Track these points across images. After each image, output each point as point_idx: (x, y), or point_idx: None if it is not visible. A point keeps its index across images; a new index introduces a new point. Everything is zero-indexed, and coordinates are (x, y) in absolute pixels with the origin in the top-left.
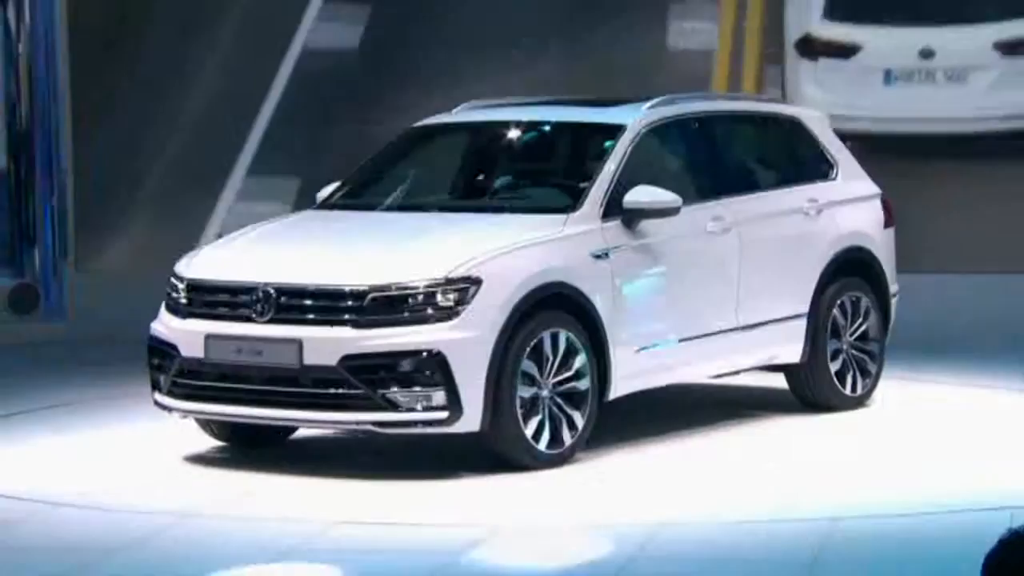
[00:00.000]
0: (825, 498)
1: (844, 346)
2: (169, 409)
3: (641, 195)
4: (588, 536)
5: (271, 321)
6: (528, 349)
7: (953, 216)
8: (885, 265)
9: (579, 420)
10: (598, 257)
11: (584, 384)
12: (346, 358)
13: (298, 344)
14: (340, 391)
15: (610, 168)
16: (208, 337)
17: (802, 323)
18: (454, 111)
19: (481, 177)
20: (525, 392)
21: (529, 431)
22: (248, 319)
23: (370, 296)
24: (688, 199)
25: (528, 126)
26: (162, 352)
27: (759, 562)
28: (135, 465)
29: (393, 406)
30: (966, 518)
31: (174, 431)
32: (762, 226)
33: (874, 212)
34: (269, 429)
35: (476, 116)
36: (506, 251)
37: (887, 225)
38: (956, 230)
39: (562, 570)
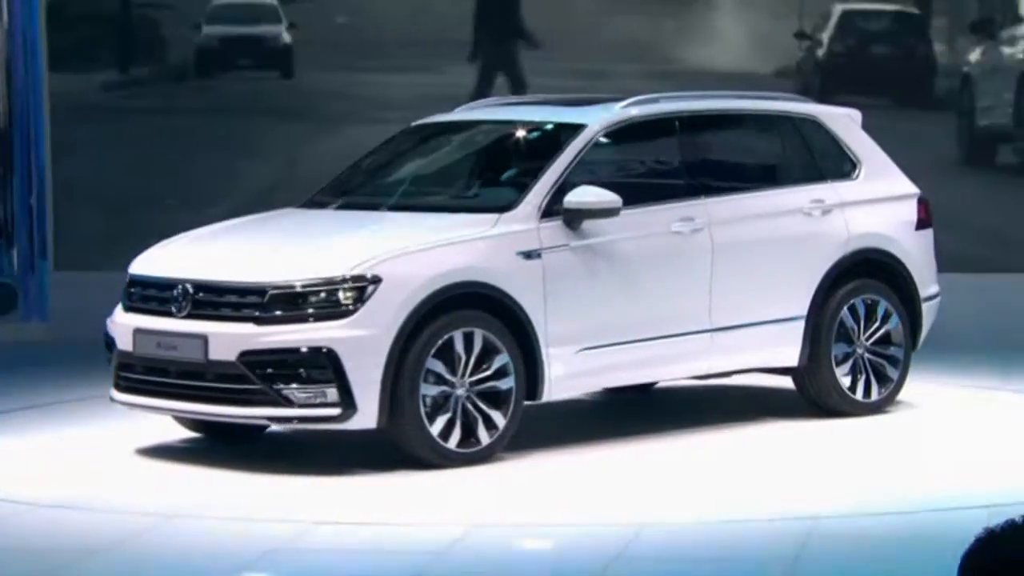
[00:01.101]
0: (807, 498)
1: (858, 350)
2: (112, 400)
3: (582, 195)
4: (571, 536)
5: (187, 317)
6: (435, 348)
7: None
8: (914, 268)
9: (499, 420)
10: (528, 256)
11: (506, 384)
12: (245, 354)
13: (204, 340)
14: (241, 387)
15: (556, 168)
16: (135, 331)
17: (799, 326)
18: (455, 110)
19: (437, 176)
20: (432, 390)
21: (435, 429)
22: (169, 314)
23: (270, 293)
24: (651, 199)
25: (498, 126)
26: (108, 346)
27: (741, 561)
28: (113, 466)
29: (288, 402)
30: (944, 517)
31: (152, 432)
32: (745, 227)
33: (903, 213)
34: (241, 424)
35: (461, 115)
36: (411, 251)
37: (921, 226)
38: None
39: (545, 570)
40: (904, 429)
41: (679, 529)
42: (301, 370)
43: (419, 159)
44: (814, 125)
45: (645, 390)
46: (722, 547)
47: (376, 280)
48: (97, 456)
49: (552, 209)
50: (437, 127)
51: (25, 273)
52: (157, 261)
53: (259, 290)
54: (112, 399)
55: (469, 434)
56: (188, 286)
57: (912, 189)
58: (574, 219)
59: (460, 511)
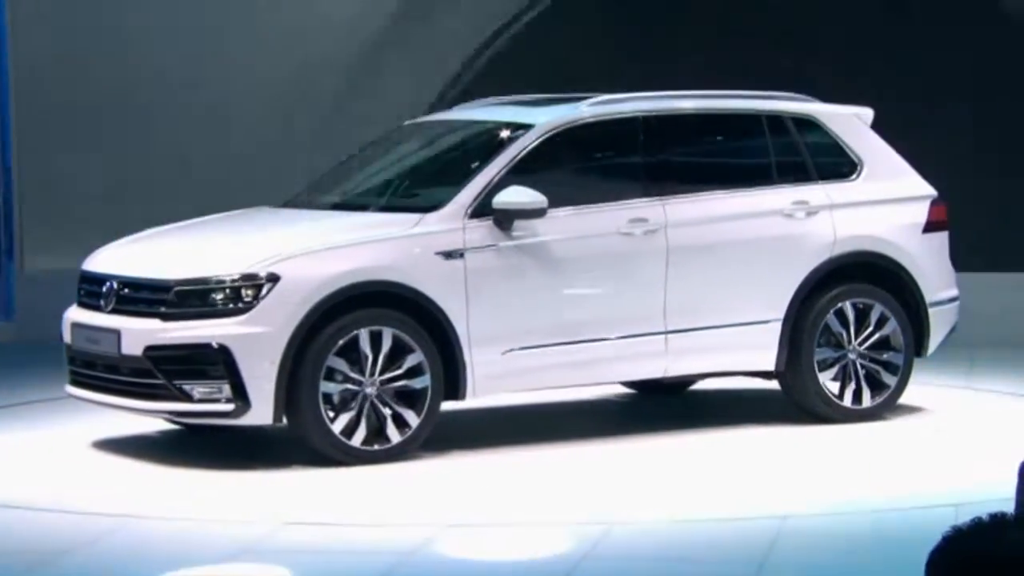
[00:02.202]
0: (778, 498)
1: (850, 355)
2: (69, 393)
3: (509, 195)
4: (541, 534)
5: (111, 312)
6: (337, 346)
7: None
8: (918, 272)
9: (412, 419)
10: (449, 256)
11: (420, 383)
12: (149, 349)
13: (117, 334)
14: (148, 381)
15: (491, 169)
16: (72, 325)
17: (773, 329)
18: (452, 108)
19: (390, 176)
20: (332, 388)
21: (338, 427)
22: (99, 309)
23: (174, 290)
24: (601, 199)
25: (462, 126)
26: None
27: (711, 560)
28: (82, 467)
29: (188, 397)
30: (913, 515)
31: (121, 432)
32: (708, 228)
33: (909, 215)
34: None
35: (440, 116)
36: (314, 250)
37: (930, 229)
38: None
39: (515, 568)
40: (878, 430)
41: (649, 528)
42: (200, 366)
43: (384, 159)
44: (810, 125)
45: (676, 391)
46: (692, 546)
47: (273, 278)
48: (65, 456)
49: (484, 209)
50: (415, 127)
51: None
52: (97, 258)
53: (165, 287)
54: (67, 391)
55: (378, 433)
56: (114, 283)
57: (925, 191)
58: (504, 219)
59: (430, 511)
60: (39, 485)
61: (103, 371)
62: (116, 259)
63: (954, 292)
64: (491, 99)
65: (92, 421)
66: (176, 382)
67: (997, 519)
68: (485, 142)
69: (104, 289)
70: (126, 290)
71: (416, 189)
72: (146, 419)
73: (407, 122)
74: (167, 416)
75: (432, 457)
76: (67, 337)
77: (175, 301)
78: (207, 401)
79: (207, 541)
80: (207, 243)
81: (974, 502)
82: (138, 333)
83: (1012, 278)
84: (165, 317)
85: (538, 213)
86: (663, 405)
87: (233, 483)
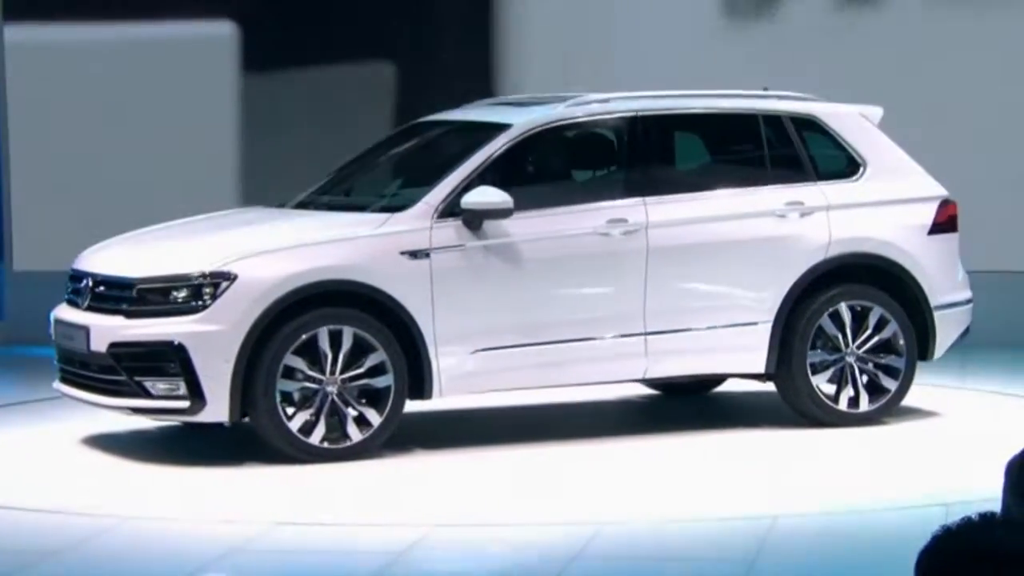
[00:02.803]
0: (767, 499)
1: (848, 358)
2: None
3: (477, 196)
4: (531, 534)
5: (86, 309)
6: (296, 345)
7: None
8: (922, 274)
9: (374, 417)
10: (414, 256)
11: (383, 382)
12: (112, 345)
13: (86, 331)
14: (112, 377)
15: (463, 169)
16: (56, 322)
17: (762, 331)
18: (457, 109)
19: (374, 176)
20: (291, 386)
21: (295, 424)
22: (77, 306)
23: (137, 288)
24: (579, 200)
25: (450, 127)
26: None
27: (701, 560)
28: (71, 467)
29: (148, 394)
30: (904, 515)
31: (110, 432)
32: (693, 229)
33: (914, 216)
34: None
35: (440, 116)
36: (272, 249)
37: (938, 231)
38: None
39: (505, 568)
40: (869, 431)
41: (639, 528)
42: (158, 363)
43: (377, 160)
44: (810, 124)
45: (701, 391)
46: (681, 546)
47: (230, 277)
48: (53, 457)
49: (455, 210)
50: (412, 129)
51: None
52: (83, 256)
53: (130, 285)
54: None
55: (337, 431)
56: (89, 280)
57: (935, 191)
58: (472, 220)
59: (420, 511)
60: (28, 486)
61: (79, 367)
62: (96, 257)
63: (964, 295)
64: (492, 99)
65: (80, 421)
66: (137, 378)
67: (986, 518)
68: (466, 143)
69: (81, 286)
70: (101, 288)
71: (394, 189)
72: (141, 420)
73: (409, 124)
74: (130, 411)
75: (422, 457)
76: (52, 334)
77: (137, 299)
78: (165, 398)
79: (198, 541)
80: (178, 242)
81: (965, 501)
82: (104, 330)
83: (1002, 277)
84: (128, 314)
85: (504, 213)
86: (655, 407)
87: (224, 483)
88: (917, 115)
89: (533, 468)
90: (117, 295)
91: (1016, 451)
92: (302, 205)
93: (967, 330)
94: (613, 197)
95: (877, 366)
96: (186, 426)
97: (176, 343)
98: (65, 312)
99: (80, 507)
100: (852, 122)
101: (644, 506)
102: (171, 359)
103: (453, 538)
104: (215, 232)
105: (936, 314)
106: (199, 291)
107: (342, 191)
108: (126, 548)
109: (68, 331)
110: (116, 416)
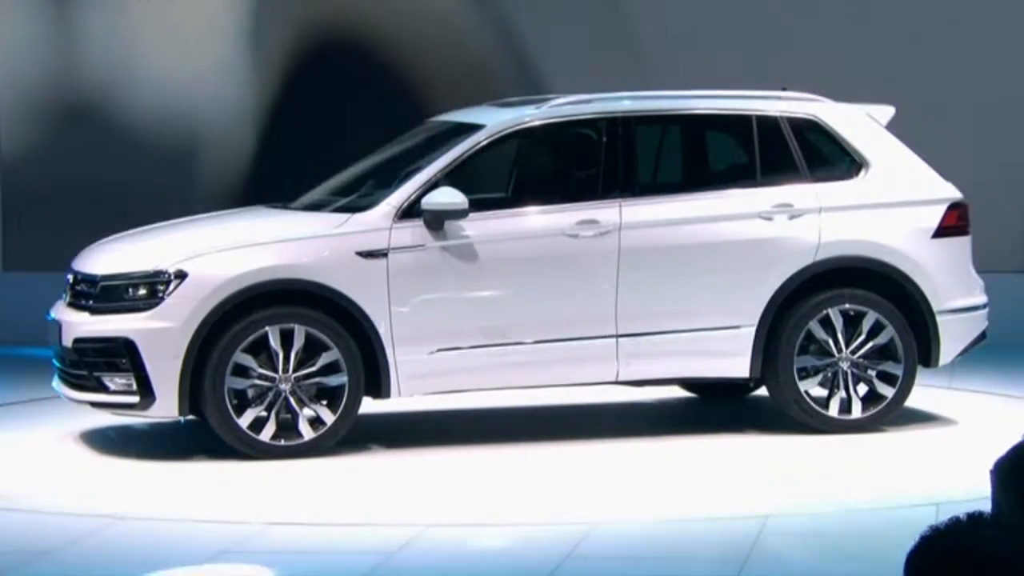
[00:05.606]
0: (759, 498)
1: (840, 364)
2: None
3: (436, 196)
4: (524, 534)
5: (68, 305)
6: (245, 343)
7: None
8: (924, 278)
9: (327, 416)
10: (370, 256)
11: (336, 380)
12: (76, 341)
13: (59, 326)
14: (78, 372)
15: (429, 170)
16: (48, 320)
17: (745, 335)
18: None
19: (359, 176)
20: (242, 384)
21: (244, 421)
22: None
23: (100, 284)
24: (550, 201)
25: (440, 127)
26: None
27: (693, 559)
28: (64, 467)
29: (105, 389)
30: (894, 515)
31: (105, 432)
32: (670, 231)
33: (917, 218)
34: None
35: (443, 117)
36: (223, 248)
37: (943, 234)
38: None
39: (498, 568)
40: (861, 432)
41: (631, 528)
42: (112, 358)
43: (364, 161)
44: (809, 124)
45: (737, 396)
46: (674, 545)
47: (180, 275)
48: (45, 457)
49: (416, 211)
50: (420, 129)
51: None
52: (81, 255)
53: (95, 281)
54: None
55: (289, 428)
56: (71, 277)
57: (944, 193)
58: (433, 220)
59: (413, 510)
60: (20, 485)
61: (61, 363)
62: (84, 255)
63: (976, 300)
64: (492, 101)
65: (72, 421)
66: (95, 374)
67: (975, 519)
68: (441, 144)
69: (68, 283)
70: (80, 285)
71: (366, 190)
72: (137, 420)
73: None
74: (90, 406)
75: (415, 456)
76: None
77: (100, 295)
78: (120, 393)
79: (190, 541)
80: (148, 240)
81: (955, 501)
82: (72, 325)
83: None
84: (92, 311)
85: (460, 214)
86: (650, 408)
87: (216, 483)
88: (936, 114)
89: (525, 467)
90: (87, 291)
91: (1005, 451)
92: (306, 206)
93: (983, 335)
94: (586, 198)
95: (874, 372)
96: (180, 426)
97: (124, 339)
98: (55, 310)
99: (74, 506)
100: (856, 122)
101: (636, 506)
102: (122, 355)
103: (445, 538)
104: (181, 230)
105: (941, 319)
106: (154, 288)
107: (341, 191)
108: (120, 547)
109: (51, 327)
110: (112, 417)
